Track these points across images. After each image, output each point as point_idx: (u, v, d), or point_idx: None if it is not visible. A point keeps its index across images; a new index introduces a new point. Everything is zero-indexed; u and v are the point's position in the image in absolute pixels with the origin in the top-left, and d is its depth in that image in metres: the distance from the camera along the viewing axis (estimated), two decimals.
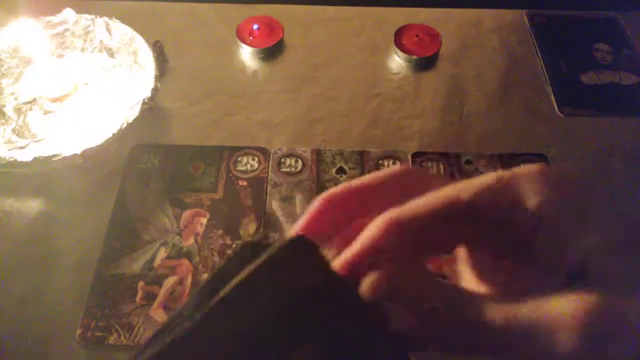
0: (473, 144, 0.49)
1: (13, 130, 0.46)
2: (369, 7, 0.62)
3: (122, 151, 0.47)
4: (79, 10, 0.54)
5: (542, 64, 0.56)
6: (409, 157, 0.48)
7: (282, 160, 0.47)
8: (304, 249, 0.18)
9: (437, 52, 0.56)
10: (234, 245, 0.41)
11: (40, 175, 0.45)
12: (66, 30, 0.53)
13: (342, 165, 0.47)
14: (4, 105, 0.48)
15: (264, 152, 0.48)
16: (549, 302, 0.17)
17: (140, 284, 0.40)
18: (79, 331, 0.37)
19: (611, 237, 0.19)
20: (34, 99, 0.49)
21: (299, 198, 0.44)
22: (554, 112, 0.52)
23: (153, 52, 0.50)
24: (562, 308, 0.17)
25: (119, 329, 0.37)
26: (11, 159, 0.43)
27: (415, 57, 0.55)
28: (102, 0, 0.60)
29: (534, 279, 0.20)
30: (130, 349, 0.37)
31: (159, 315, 0.38)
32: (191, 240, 0.42)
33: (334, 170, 0.46)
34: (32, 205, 0.45)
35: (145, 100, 0.46)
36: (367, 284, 0.18)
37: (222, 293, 0.17)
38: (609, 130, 0.50)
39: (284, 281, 0.18)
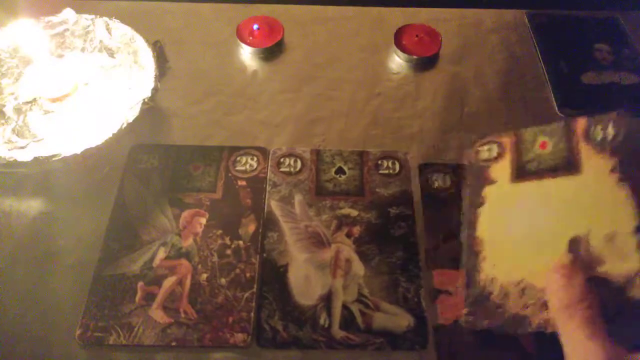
0: None
1: (13, 130, 0.46)
2: (369, 7, 0.62)
3: (122, 151, 0.47)
4: (79, 10, 0.54)
5: (542, 64, 0.56)
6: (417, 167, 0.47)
7: (282, 160, 0.47)
8: None
9: (437, 52, 0.56)
10: (233, 246, 0.41)
11: (40, 175, 0.45)
12: (66, 30, 0.53)
13: (342, 165, 0.47)
14: (4, 105, 0.48)
15: (263, 152, 0.48)
16: None
17: (140, 284, 0.40)
18: (78, 331, 0.37)
19: None
20: (34, 99, 0.49)
21: (298, 198, 0.44)
22: (554, 112, 0.52)
23: (153, 52, 0.50)
24: None
25: (118, 329, 0.37)
26: (11, 159, 0.43)
27: (415, 57, 0.55)
28: (102, 0, 0.60)
29: None
30: (130, 349, 0.37)
31: (158, 315, 0.38)
32: (190, 241, 0.42)
33: (333, 170, 0.46)
34: (32, 205, 0.45)
35: (145, 100, 0.46)
36: None
37: None
38: None
39: None
